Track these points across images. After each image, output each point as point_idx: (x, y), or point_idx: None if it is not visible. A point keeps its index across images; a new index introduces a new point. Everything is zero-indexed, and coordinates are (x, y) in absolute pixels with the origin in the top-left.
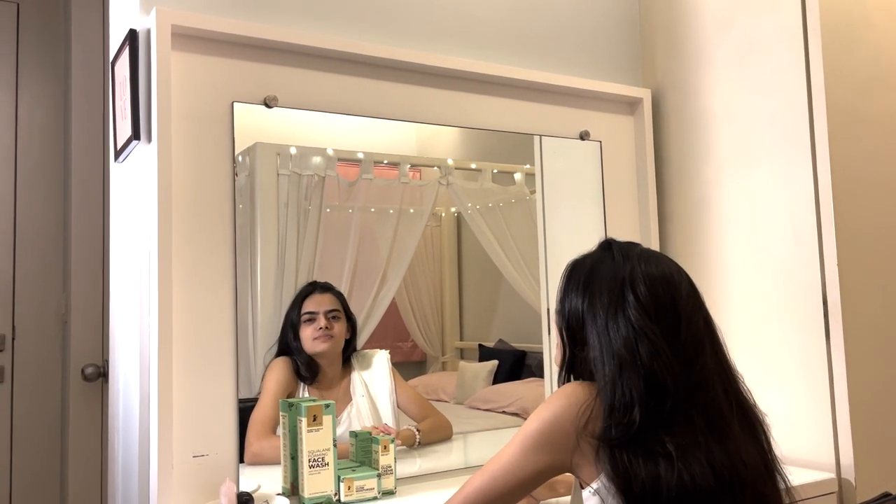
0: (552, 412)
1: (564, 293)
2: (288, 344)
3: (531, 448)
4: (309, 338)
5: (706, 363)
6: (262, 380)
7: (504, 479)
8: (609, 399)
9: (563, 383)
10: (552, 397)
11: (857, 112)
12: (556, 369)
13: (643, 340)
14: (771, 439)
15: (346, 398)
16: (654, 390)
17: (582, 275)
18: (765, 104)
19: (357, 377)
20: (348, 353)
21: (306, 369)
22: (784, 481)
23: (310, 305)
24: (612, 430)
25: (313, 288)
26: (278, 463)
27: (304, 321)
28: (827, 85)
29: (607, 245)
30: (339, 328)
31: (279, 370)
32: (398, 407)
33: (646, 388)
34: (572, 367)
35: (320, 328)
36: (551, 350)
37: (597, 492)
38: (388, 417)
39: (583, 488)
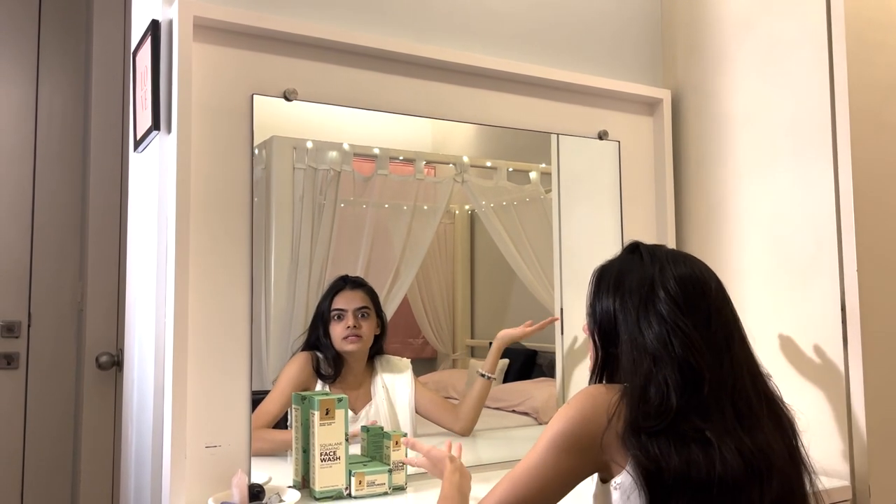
0: (578, 412)
1: (595, 297)
2: (317, 337)
3: (560, 450)
4: (339, 337)
5: (736, 354)
6: (281, 372)
7: (532, 483)
8: (642, 390)
9: (596, 383)
10: (576, 397)
11: (881, 117)
12: (567, 370)
13: (676, 333)
14: (799, 435)
15: (367, 397)
16: (690, 379)
17: (611, 278)
18: (786, 107)
19: (380, 381)
20: (374, 352)
21: (331, 366)
22: (811, 476)
23: (339, 302)
24: (646, 418)
25: (344, 283)
26: (265, 455)
27: (334, 318)
28: (850, 89)
29: (634, 248)
30: (368, 327)
31: (296, 367)
32: (419, 413)
33: (681, 377)
34: (604, 370)
35: (349, 327)
36: (563, 350)
37: (620, 486)
38: (405, 423)
39: (604, 482)
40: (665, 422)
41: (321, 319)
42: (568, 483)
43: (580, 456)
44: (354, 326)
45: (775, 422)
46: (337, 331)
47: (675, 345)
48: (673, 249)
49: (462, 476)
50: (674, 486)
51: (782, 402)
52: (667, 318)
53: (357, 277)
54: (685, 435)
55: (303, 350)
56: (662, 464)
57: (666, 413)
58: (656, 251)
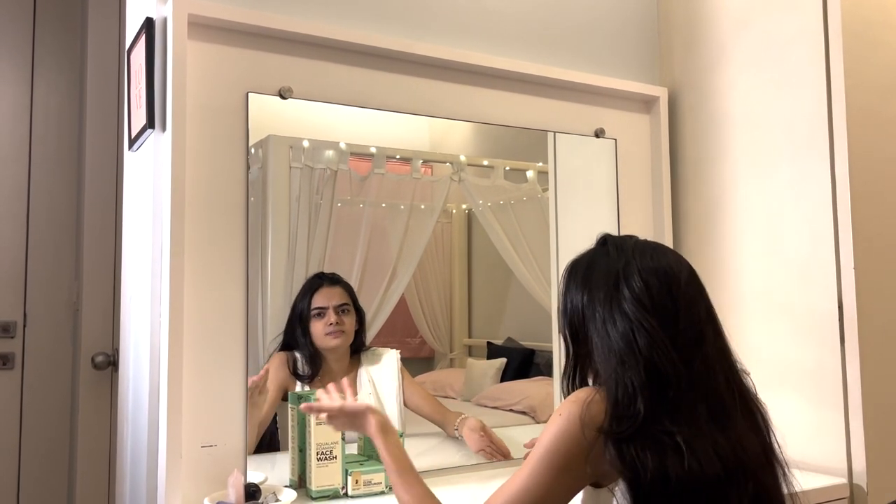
0: (568, 423)
1: (565, 293)
2: (294, 337)
3: (554, 468)
4: (320, 333)
5: (708, 352)
6: None
7: (525, 499)
8: (613, 393)
9: (569, 382)
10: (564, 405)
11: (877, 115)
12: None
13: (640, 332)
14: (772, 429)
15: (351, 393)
16: (655, 380)
17: (580, 273)
18: (783, 105)
19: (365, 374)
20: (356, 347)
21: (308, 366)
22: (784, 470)
23: (319, 300)
24: (617, 423)
25: (321, 281)
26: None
27: (314, 316)
28: (847, 87)
29: (604, 241)
30: (349, 322)
31: (274, 370)
32: (407, 406)
33: (647, 378)
34: (575, 368)
35: (331, 324)
36: (561, 349)
37: (613, 492)
38: (393, 418)
39: (597, 487)
40: (634, 426)
41: (299, 319)
42: (566, 495)
43: (575, 469)
44: (337, 323)
45: (749, 419)
46: (318, 328)
47: (640, 344)
48: (643, 240)
49: (392, 433)
50: (653, 490)
51: (756, 398)
52: (631, 317)
53: (333, 274)
54: (658, 439)
55: (279, 350)
56: (639, 468)
57: (634, 417)
58: (624, 243)
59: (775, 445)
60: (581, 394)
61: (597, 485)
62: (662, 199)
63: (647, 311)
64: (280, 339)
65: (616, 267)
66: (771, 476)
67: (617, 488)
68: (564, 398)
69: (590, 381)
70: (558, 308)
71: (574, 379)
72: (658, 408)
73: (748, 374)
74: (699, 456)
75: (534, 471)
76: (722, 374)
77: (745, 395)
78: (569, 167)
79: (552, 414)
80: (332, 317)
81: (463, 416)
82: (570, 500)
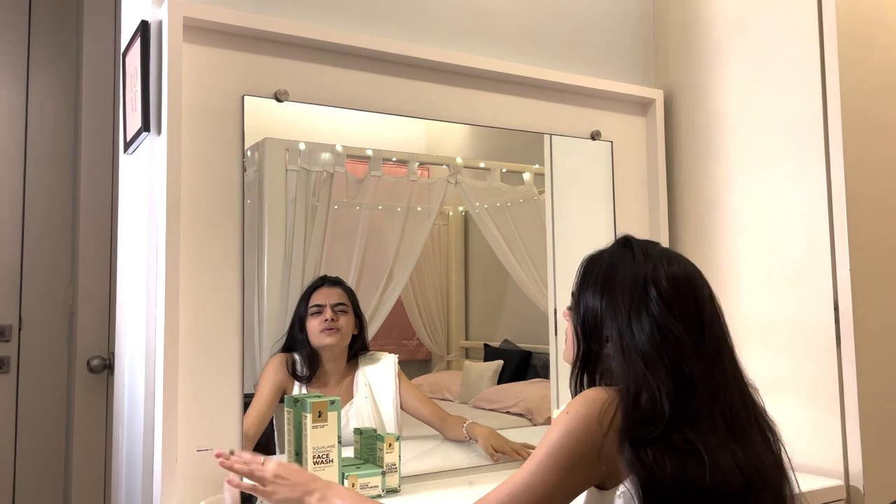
0: (577, 422)
1: (580, 289)
2: (294, 337)
3: (561, 466)
4: (315, 330)
5: (726, 367)
6: (259, 377)
7: (530, 497)
8: (635, 396)
9: (577, 380)
10: (574, 405)
11: (872, 116)
12: (562, 370)
13: (668, 337)
14: (783, 447)
15: (348, 396)
16: (682, 386)
17: (600, 271)
18: (778, 106)
19: (361, 377)
20: (355, 351)
21: (306, 366)
22: (791, 487)
23: (318, 298)
24: (639, 426)
25: (323, 281)
26: None
27: (312, 314)
28: (842, 88)
29: (626, 242)
30: (346, 322)
31: (272, 368)
32: (404, 409)
33: (673, 383)
34: (586, 364)
35: (326, 320)
36: (558, 350)
37: (623, 494)
38: (390, 421)
39: (602, 489)
40: (658, 429)
41: (298, 319)
42: (571, 494)
43: (582, 469)
44: (332, 320)
45: (762, 434)
46: (314, 325)
47: (667, 349)
48: (666, 248)
49: (329, 483)
50: (669, 497)
51: (767, 414)
52: (658, 321)
53: (335, 277)
54: (679, 446)
55: (280, 352)
56: (657, 472)
57: (658, 421)
58: (650, 249)
59: (786, 462)
60: (590, 393)
61: (601, 486)
62: (659, 200)
63: (675, 317)
64: (283, 340)
65: (643, 271)
66: (784, 492)
67: (621, 492)
68: (573, 396)
69: (597, 380)
70: (571, 304)
71: (582, 375)
72: (681, 415)
73: (757, 391)
74: (721, 467)
75: (538, 468)
76: (737, 389)
77: (757, 411)
78: (565, 169)
79: (559, 413)
80: (328, 314)
81: (468, 420)
82: (573, 498)
